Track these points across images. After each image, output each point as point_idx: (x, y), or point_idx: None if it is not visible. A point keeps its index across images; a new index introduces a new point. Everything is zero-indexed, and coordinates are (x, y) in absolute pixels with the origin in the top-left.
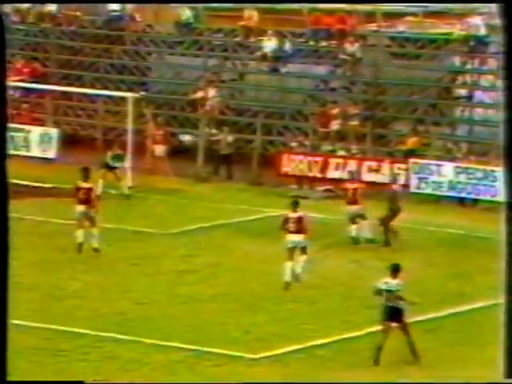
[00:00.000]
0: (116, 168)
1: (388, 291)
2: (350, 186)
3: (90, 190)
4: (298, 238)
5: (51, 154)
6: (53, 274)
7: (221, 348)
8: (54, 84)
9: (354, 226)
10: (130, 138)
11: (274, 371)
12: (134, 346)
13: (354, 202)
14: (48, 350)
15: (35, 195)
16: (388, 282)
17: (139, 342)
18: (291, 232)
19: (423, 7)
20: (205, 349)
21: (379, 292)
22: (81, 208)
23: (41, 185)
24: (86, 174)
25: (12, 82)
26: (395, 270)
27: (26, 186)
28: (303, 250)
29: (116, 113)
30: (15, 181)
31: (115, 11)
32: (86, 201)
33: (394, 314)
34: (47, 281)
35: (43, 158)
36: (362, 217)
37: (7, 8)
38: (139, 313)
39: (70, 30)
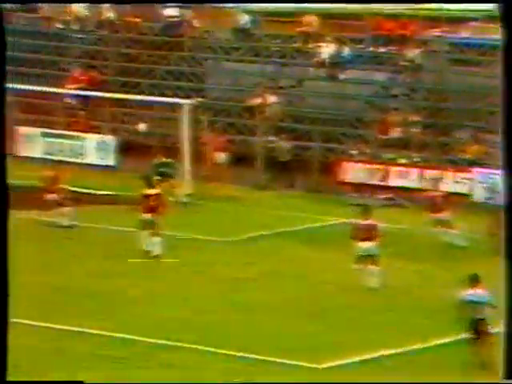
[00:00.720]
0: (167, 175)
1: (474, 302)
2: (433, 193)
3: (158, 196)
4: (368, 245)
5: (109, 161)
6: (114, 282)
7: (280, 357)
8: (111, 92)
9: (443, 232)
10: (185, 145)
11: (337, 381)
12: (192, 354)
13: (439, 210)
14: (107, 356)
15: (93, 203)
16: (472, 293)
17: (198, 350)
18: (362, 239)
19: (486, 11)
20: (264, 358)
21: (464, 304)
22: (147, 215)
23: (99, 192)
24: (148, 181)
25: (69, 89)
26: (474, 281)
27: (84, 193)
28: (374, 259)
29: (172, 119)
30: (73, 188)
31: (173, 17)
32: (154, 208)
33: (479, 325)
34: (108, 288)
35: (101, 166)
36: (448, 224)
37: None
38: (199, 320)
39: (128, 37)
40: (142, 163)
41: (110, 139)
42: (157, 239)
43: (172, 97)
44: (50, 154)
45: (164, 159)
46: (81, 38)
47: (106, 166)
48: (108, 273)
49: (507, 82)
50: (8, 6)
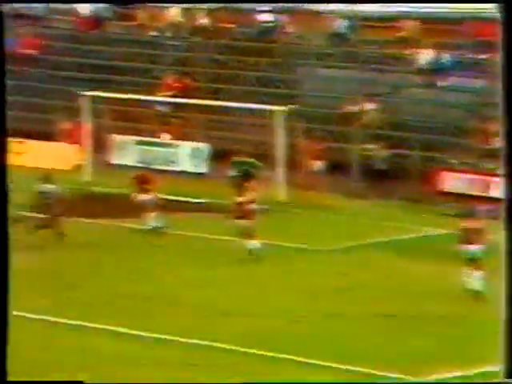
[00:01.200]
0: (248, 175)
1: None
2: None
3: (249, 201)
4: (474, 247)
5: (202, 168)
6: (203, 290)
7: (378, 369)
8: (204, 98)
9: None
10: (278, 152)
11: None
12: (285, 365)
13: None
14: (199, 365)
15: (186, 210)
16: None
17: (291, 361)
18: (467, 242)
19: None
20: (361, 369)
21: None
22: (241, 222)
23: (191, 200)
24: (240, 187)
25: (162, 97)
26: None
27: (176, 201)
28: (478, 262)
29: (265, 127)
30: (166, 196)
31: (268, 22)
32: (247, 214)
33: None
34: (200, 297)
35: (193, 173)
36: None
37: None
38: (292, 330)
39: (221, 43)
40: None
41: (203, 146)
42: (253, 243)
43: (264, 103)
44: (142, 161)
45: (245, 158)
46: (174, 44)
47: (199, 173)
48: (200, 281)
49: (507, 83)
50: (104, 14)
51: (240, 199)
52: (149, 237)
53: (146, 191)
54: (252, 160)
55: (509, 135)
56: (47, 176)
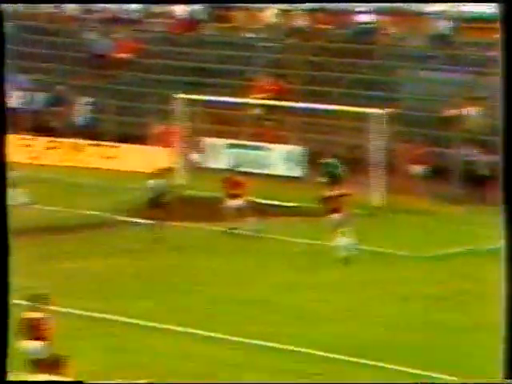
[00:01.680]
0: (334, 177)
1: None
2: None
3: (341, 196)
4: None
5: (297, 172)
6: (298, 295)
7: (482, 378)
8: (298, 101)
9: None
10: (374, 156)
11: None
12: (380, 373)
13: None
14: (297, 372)
15: (280, 214)
16: None
17: (389, 369)
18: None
19: None
20: (467, 382)
21: None
22: (335, 216)
23: (286, 204)
24: (332, 180)
25: (255, 99)
26: None
27: (271, 205)
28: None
29: (361, 130)
30: (260, 200)
31: (366, 24)
32: (338, 209)
33: None
34: (292, 302)
35: (288, 177)
36: None
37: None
38: (389, 338)
39: (317, 44)
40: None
41: (297, 150)
42: (346, 240)
43: (363, 106)
44: (235, 165)
45: (330, 159)
46: (268, 46)
47: (294, 177)
48: (294, 286)
49: (506, 83)
50: (200, 15)
51: (330, 193)
52: (242, 241)
53: (235, 196)
54: (336, 161)
55: (508, 138)
56: (159, 172)
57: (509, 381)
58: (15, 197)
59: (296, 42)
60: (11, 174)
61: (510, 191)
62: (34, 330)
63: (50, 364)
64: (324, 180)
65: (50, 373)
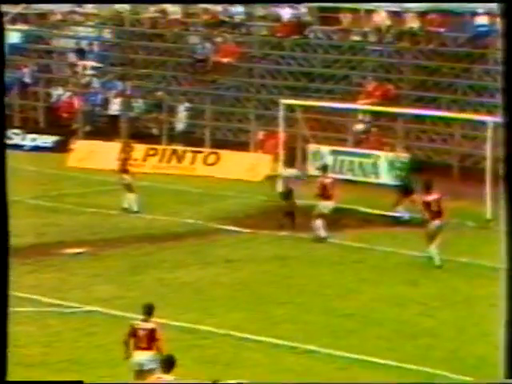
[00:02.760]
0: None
1: None
2: None
3: (438, 200)
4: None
5: (402, 181)
6: (404, 310)
7: None
8: (406, 107)
9: None
10: (489, 166)
11: None
12: None
13: None
14: None
15: (386, 225)
16: None
17: None
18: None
19: None
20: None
21: None
22: (436, 222)
23: (391, 214)
24: (427, 185)
25: (362, 105)
26: None
27: (377, 214)
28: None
29: (474, 138)
30: (365, 209)
31: (483, 26)
32: (439, 213)
33: None
34: (397, 316)
35: (394, 186)
36: None
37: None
38: (498, 358)
39: (428, 48)
40: (437, 185)
41: (404, 157)
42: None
43: (473, 113)
44: (339, 172)
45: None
46: (377, 50)
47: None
48: (399, 299)
49: (507, 82)
50: (307, 18)
51: (428, 198)
52: (342, 251)
53: (327, 197)
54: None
55: (508, 136)
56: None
57: (509, 381)
58: (128, 203)
59: (407, 45)
60: (122, 181)
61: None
62: (147, 341)
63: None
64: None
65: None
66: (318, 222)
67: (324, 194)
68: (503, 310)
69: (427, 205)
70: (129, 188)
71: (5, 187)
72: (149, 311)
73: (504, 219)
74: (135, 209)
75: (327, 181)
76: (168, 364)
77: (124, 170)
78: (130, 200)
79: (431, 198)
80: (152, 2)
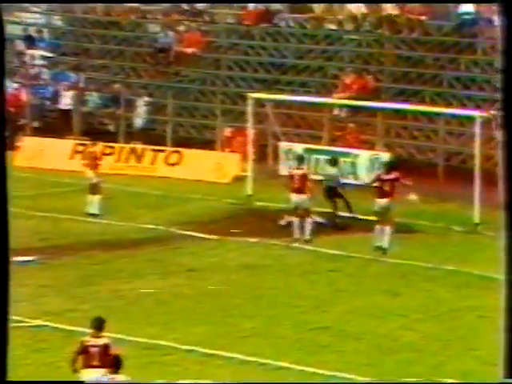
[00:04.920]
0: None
1: None
2: None
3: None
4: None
5: None
6: (383, 322)
7: None
8: (387, 101)
9: None
10: (477, 165)
11: None
12: None
13: None
14: None
15: (364, 230)
16: None
17: None
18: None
19: None
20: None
21: None
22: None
23: (369, 218)
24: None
25: (338, 98)
26: None
27: (355, 218)
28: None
29: (461, 135)
30: (342, 213)
31: (468, 14)
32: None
33: None
34: (376, 330)
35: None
36: None
37: None
38: (486, 374)
39: (411, 37)
40: (420, 186)
41: (384, 156)
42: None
43: (460, 107)
44: (313, 172)
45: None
46: (354, 39)
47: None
48: (378, 311)
49: (507, 82)
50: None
51: (384, 176)
52: (317, 259)
53: (300, 191)
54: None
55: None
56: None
57: (509, 380)
58: (94, 206)
59: (386, 34)
60: (88, 180)
61: None
62: (99, 358)
63: None
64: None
65: None
66: (295, 222)
67: (296, 186)
68: (496, 319)
69: (380, 182)
70: (94, 189)
71: (5, 187)
72: (99, 326)
73: (503, 225)
74: (97, 212)
75: (299, 172)
76: (116, 363)
77: (92, 168)
78: (94, 203)
79: (388, 176)
80: (153, 2)
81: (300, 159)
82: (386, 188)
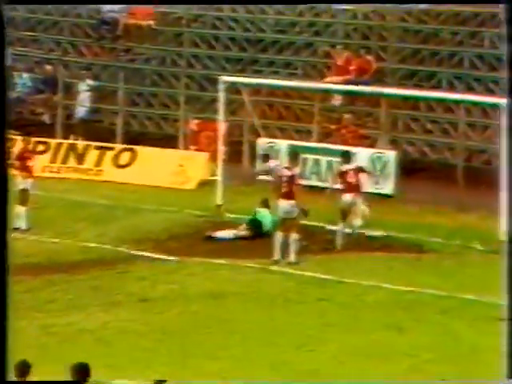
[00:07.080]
0: None
1: None
2: None
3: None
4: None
5: (387, 187)
6: (386, 364)
7: None
8: (392, 85)
9: None
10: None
11: None
12: None
13: None
14: None
15: (361, 248)
16: None
17: None
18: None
19: None
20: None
21: None
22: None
23: (369, 233)
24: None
25: (330, 83)
26: None
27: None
28: None
29: (485, 128)
30: (334, 227)
31: None
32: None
33: None
34: (377, 373)
35: (375, 194)
36: None
37: None
38: None
39: (420, 7)
40: (433, 191)
41: (388, 155)
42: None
43: (485, 94)
44: (301, 174)
45: None
46: (347, 9)
47: (383, 194)
48: (379, 350)
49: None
50: None
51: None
52: (296, 284)
53: (288, 196)
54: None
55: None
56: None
57: (509, 380)
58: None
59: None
60: (17, 186)
61: None
62: None
63: None
64: None
65: None
66: (278, 237)
67: (284, 191)
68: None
69: (341, 175)
70: (23, 197)
71: (5, 187)
72: (22, 372)
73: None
74: (23, 226)
75: (287, 173)
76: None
77: (20, 170)
78: (21, 215)
79: (349, 167)
80: (152, 3)
81: (293, 156)
82: (351, 180)
